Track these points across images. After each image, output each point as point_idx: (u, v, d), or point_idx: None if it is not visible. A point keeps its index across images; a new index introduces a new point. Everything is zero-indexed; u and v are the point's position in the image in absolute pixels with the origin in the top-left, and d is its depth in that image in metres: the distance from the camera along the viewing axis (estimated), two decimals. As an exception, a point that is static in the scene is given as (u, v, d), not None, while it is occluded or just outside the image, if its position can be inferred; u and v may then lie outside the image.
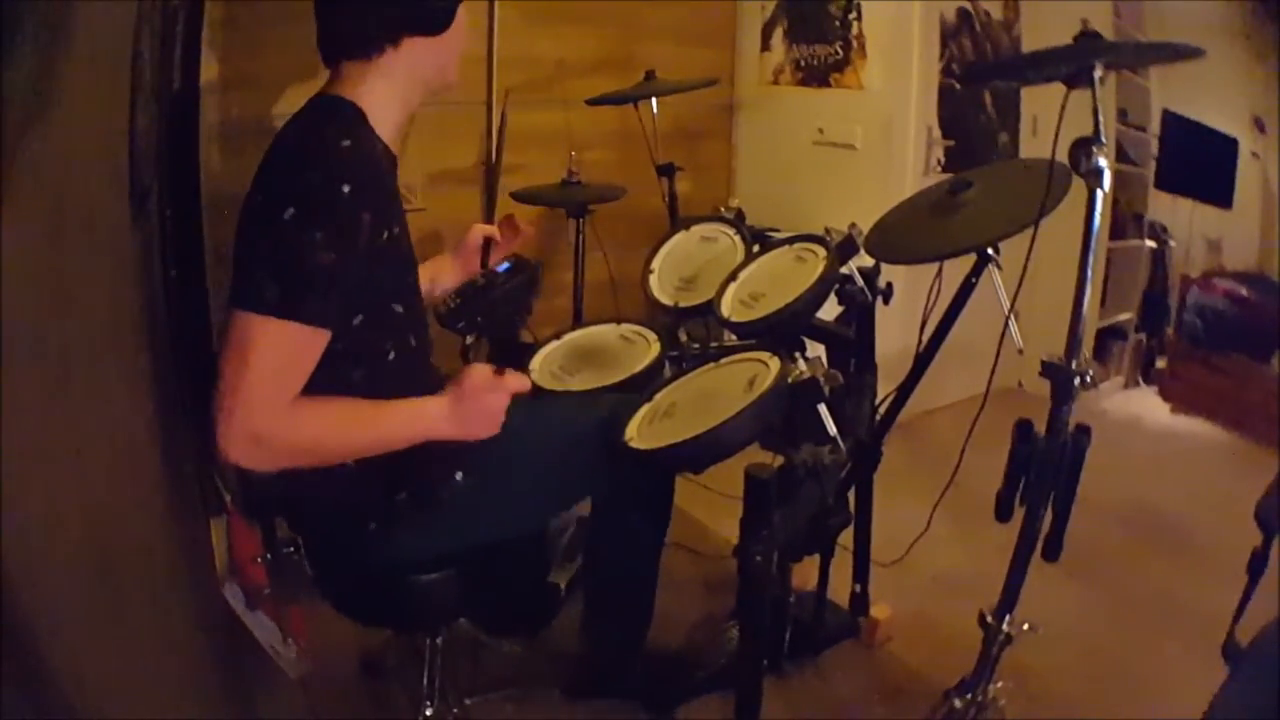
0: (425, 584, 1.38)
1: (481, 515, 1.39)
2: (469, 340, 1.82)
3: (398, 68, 1.27)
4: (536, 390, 1.70)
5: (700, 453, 1.33)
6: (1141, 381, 4.08)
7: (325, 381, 1.18)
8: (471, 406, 1.27)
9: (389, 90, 1.27)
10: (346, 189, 1.12)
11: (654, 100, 2.54)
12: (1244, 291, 3.81)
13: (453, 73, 1.36)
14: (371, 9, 1.24)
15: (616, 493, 1.60)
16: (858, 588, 2.12)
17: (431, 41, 1.27)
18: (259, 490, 1.26)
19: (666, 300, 1.91)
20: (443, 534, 1.37)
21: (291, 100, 1.35)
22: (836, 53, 3.24)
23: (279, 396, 1.12)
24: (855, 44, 3.18)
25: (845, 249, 1.71)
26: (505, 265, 1.56)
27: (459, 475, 1.36)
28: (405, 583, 1.38)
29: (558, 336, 1.92)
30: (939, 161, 3.24)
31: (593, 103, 2.55)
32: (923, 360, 1.78)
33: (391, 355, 1.30)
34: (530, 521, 1.56)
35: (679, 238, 2.05)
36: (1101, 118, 1.32)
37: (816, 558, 2.03)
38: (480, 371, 1.28)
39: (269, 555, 1.38)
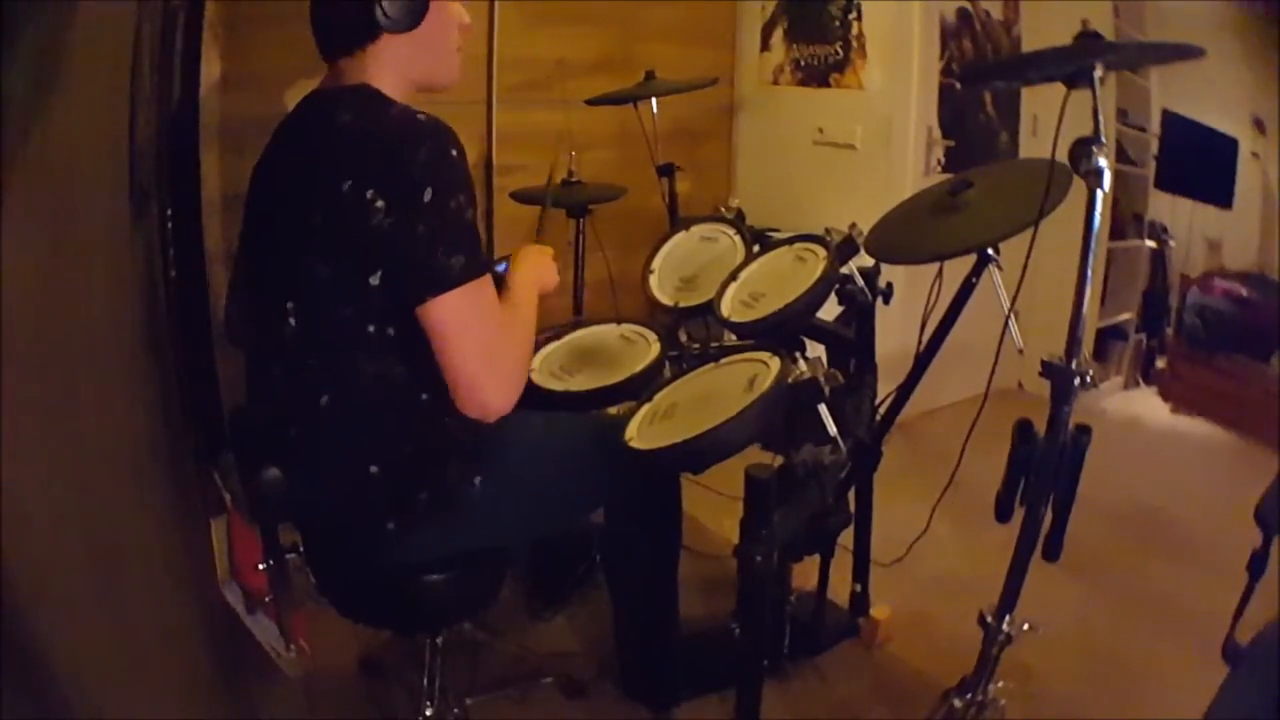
0: (431, 585, 1.38)
1: (497, 520, 1.39)
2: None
3: (381, 63, 1.29)
4: (543, 394, 1.70)
5: (700, 453, 1.33)
6: (1141, 381, 4.08)
7: (375, 374, 1.24)
8: (535, 257, 1.46)
9: (378, 83, 1.28)
10: (454, 152, 1.21)
11: (654, 100, 2.53)
12: (1244, 291, 3.82)
13: (448, 72, 1.37)
14: (343, 6, 1.27)
15: (627, 500, 1.61)
16: (858, 588, 2.12)
17: (408, 38, 1.28)
18: (269, 491, 1.26)
19: (666, 300, 1.91)
20: (457, 537, 1.37)
21: (292, 100, 1.35)
22: (836, 53, 3.24)
23: (504, 338, 1.26)
24: (855, 44, 3.18)
25: (845, 249, 1.71)
26: (503, 265, 1.56)
27: (477, 480, 1.36)
28: (411, 584, 1.38)
29: (558, 336, 1.92)
30: (939, 161, 3.24)
31: (593, 103, 2.55)
32: (923, 360, 1.78)
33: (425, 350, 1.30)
34: (544, 528, 1.58)
35: (679, 238, 2.05)
36: (1101, 118, 1.32)
37: (816, 558, 2.03)
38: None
39: (270, 562, 1.37)
